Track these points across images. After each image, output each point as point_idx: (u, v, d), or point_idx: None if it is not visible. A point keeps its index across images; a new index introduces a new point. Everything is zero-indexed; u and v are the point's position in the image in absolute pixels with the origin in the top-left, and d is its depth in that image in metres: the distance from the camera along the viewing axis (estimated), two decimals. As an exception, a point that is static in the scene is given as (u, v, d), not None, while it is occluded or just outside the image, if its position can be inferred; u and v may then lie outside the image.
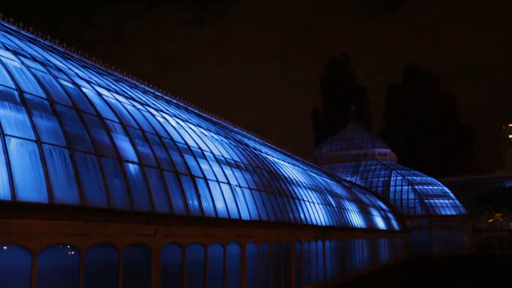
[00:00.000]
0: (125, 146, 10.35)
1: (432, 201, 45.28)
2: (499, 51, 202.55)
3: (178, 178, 11.41)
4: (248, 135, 25.51)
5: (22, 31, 13.56)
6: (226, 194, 13.47)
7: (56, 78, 10.39)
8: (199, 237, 11.41)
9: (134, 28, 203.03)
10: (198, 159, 13.16)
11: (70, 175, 8.31)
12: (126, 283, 8.95)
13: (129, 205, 9.37)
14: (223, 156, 15.13)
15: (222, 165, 14.41)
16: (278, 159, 23.08)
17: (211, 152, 14.51)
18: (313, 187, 23.17)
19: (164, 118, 13.98)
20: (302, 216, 18.73)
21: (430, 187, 46.99)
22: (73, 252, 8.07)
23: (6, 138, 7.52)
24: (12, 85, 8.69)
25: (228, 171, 14.51)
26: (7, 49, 10.09)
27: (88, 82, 11.90)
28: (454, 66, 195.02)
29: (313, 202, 21.06)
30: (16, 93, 8.57)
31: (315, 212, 20.60)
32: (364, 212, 30.62)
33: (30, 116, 8.29)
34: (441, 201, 45.57)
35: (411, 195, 45.79)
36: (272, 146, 28.07)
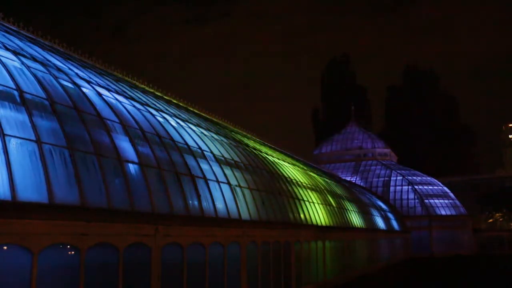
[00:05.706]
0: (125, 146, 10.35)
1: (432, 201, 45.28)
2: (499, 51, 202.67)
3: (178, 178, 11.41)
4: (248, 135, 25.50)
5: (22, 31, 13.55)
6: (226, 194, 13.46)
7: (56, 78, 10.39)
8: (199, 237, 11.41)
9: (136, 27, 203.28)
10: (198, 159, 13.15)
11: (70, 175, 8.30)
12: (126, 283, 8.94)
13: (129, 205, 9.37)
14: (223, 156, 15.13)
15: (222, 165, 14.40)
16: (278, 159, 23.08)
17: (211, 152, 14.51)
18: (313, 187, 23.16)
19: (164, 118, 13.98)
20: (302, 216, 18.72)
21: (430, 187, 46.98)
22: (73, 252, 8.07)
23: (6, 138, 7.52)
24: (12, 85, 8.69)
25: (228, 171, 14.51)
26: (7, 49, 10.08)
27: (88, 82, 11.90)
28: (454, 66, 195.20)
29: (313, 202, 21.05)
30: (16, 93, 8.57)
31: (315, 212, 20.59)
32: (364, 212, 30.61)
33: (30, 116, 8.29)
34: (441, 201, 45.56)
35: (411, 195, 45.78)
36: (272, 146, 28.06)
